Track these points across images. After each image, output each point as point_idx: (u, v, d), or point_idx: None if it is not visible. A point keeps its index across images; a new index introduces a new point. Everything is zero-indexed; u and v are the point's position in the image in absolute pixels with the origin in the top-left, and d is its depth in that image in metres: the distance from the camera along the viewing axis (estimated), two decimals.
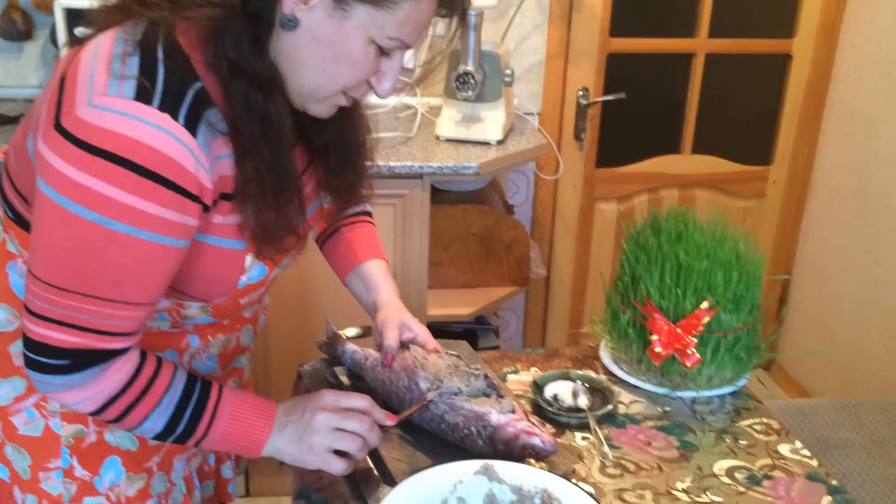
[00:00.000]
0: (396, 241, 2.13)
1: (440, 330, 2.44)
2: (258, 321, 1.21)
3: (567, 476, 1.06)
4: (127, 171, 0.83)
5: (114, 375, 0.94)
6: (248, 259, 1.00)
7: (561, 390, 1.29)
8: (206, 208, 0.91)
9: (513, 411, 1.08)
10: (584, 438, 1.20)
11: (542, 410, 1.24)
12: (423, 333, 1.20)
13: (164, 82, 0.86)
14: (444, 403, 1.09)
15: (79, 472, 1.07)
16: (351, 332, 1.34)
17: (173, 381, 0.97)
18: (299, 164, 1.05)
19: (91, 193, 0.83)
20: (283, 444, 1.01)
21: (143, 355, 0.97)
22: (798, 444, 1.20)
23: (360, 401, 1.04)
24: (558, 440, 1.19)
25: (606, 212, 2.83)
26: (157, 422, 0.97)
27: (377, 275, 1.25)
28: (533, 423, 1.07)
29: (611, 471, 1.13)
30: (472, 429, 1.06)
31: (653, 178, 2.82)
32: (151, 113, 0.84)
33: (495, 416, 1.06)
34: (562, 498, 0.97)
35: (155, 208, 0.85)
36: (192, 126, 0.87)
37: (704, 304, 1.26)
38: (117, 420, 0.97)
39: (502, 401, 1.10)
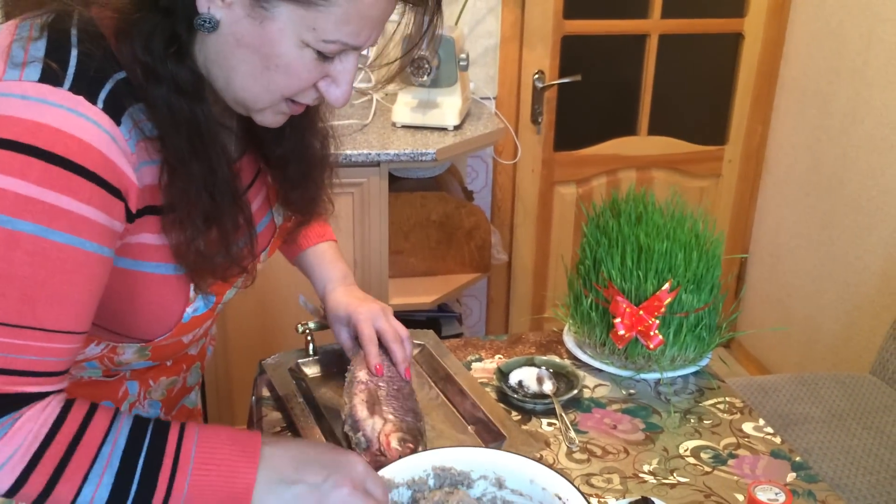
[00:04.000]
0: (356, 231, 2.10)
1: (402, 319, 2.42)
2: (205, 356, 1.10)
3: None
4: (30, 159, 0.67)
5: (28, 426, 0.71)
6: (192, 287, 0.87)
7: (526, 377, 1.28)
8: (130, 216, 0.76)
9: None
10: (550, 424, 1.19)
11: (508, 397, 1.23)
12: (391, 332, 1.11)
13: (78, 65, 0.72)
14: None
15: None
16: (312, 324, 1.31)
17: (112, 426, 0.75)
18: (246, 175, 0.94)
19: None
20: (273, 500, 0.78)
21: (69, 400, 0.75)
22: (761, 422, 1.21)
23: (382, 490, 0.85)
24: (525, 427, 1.18)
25: (566, 195, 2.84)
26: (101, 486, 0.73)
27: (312, 269, 1.17)
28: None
29: (578, 456, 1.12)
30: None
31: (611, 161, 2.83)
32: (61, 94, 0.70)
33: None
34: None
35: (69, 202, 0.69)
36: (115, 113, 0.73)
37: (666, 286, 1.26)
38: (45, 494, 0.72)
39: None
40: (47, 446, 0.72)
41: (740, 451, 1.14)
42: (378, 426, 1.01)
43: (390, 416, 1.03)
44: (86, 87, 0.72)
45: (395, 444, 1.00)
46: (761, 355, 2.98)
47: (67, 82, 0.71)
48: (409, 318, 2.46)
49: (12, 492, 0.72)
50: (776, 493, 0.85)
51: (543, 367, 1.29)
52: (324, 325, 1.25)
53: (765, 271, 2.96)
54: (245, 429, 0.80)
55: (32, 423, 0.71)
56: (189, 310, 0.88)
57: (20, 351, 0.70)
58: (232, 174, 0.83)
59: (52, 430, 0.72)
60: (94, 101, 0.71)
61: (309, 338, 1.28)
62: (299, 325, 1.29)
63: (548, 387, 1.25)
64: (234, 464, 0.76)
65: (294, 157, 0.95)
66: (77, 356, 0.77)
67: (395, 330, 1.12)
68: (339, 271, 1.17)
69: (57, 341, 0.72)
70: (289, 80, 0.78)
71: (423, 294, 2.30)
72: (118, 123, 0.73)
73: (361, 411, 1.03)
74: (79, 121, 0.70)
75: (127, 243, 0.79)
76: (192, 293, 0.87)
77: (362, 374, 1.08)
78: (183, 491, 0.75)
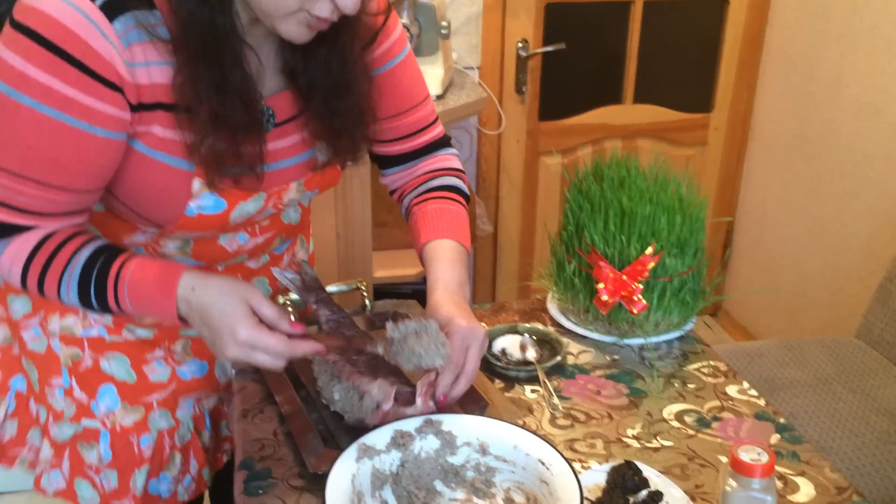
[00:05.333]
0: (338, 204, 2.07)
1: (388, 291, 2.41)
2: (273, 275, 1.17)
3: None
4: (35, 45, 0.82)
5: (20, 246, 0.93)
6: (196, 184, 0.96)
7: (509, 344, 1.27)
8: (133, 107, 0.88)
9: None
10: (533, 391, 1.18)
11: (491, 365, 1.22)
12: (470, 364, 1.01)
13: None
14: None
15: (77, 393, 1.12)
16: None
17: (77, 253, 0.94)
18: (288, 109, 1.02)
19: (3, 65, 0.83)
20: (196, 327, 0.94)
21: (51, 233, 0.94)
22: (745, 385, 1.20)
23: (274, 343, 0.90)
24: (508, 394, 1.17)
25: (551, 165, 2.82)
26: (71, 293, 0.95)
27: (430, 265, 1.13)
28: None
29: (561, 422, 1.12)
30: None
31: (596, 130, 2.81)
32: None
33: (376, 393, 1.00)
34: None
35: (60, 85, 0.83)
36: (111, 12, 0.84)
37: (649, 250, 1.25)
38: (40, 288, 0.96)
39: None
40: (30, 262, 0.94)
41: (724, 414, 1.14)
42: (386, 386, 1.00)
43: (393, 379, 1.03)
44: None
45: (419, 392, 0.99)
46: (748, 323, 2.99)
47: None
48: (393, 291, 2.44)
49: (23, 281, 0.95)
50: (759, 454, 0.84)
51: (527, 335, 1.28)
52: (304, 297, 1.24)
53: (751, 238, 2.96)
54: (171, 267, 0.96)
55: (23, 244, 0.93)
56: (192, 205, 0.97)
57: (19, 193, 0.89)
58: (247, 84, 0.92)
59: (31, 254, 0.94)
60: None
61: (290, 310, 1.27)
62: (280, 298, 1.27)
63: (531, 354, 1.24)
64: (158, 299, 0.94)
65: (318, 86, 1.00)
66: (74, 208, 0.94)
67: (473, 365, 1.01)
68: (456, 276, 1.10)
69: (50, 193, 0.90)
70: None
71: (407, 266, 2.29)
72: (111, 20, 0.83)
73: (361, 379, 1.02)
74: (72, 12, 0.82)
75: (139, 131, 0.92)
76: (195, 187, 0.97)
77: (332, 356, 1.08)
78: (127, 306, 0.95)
